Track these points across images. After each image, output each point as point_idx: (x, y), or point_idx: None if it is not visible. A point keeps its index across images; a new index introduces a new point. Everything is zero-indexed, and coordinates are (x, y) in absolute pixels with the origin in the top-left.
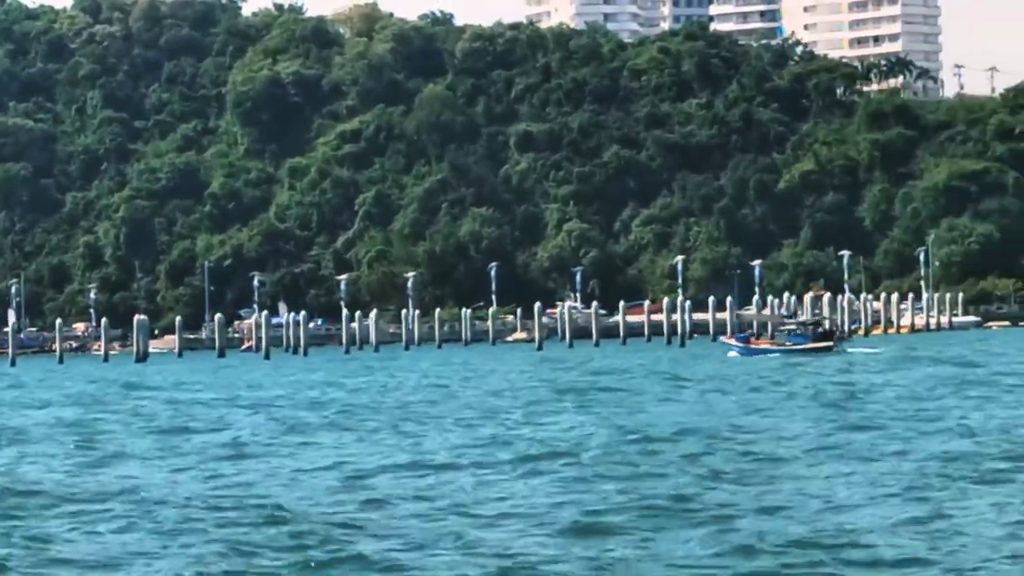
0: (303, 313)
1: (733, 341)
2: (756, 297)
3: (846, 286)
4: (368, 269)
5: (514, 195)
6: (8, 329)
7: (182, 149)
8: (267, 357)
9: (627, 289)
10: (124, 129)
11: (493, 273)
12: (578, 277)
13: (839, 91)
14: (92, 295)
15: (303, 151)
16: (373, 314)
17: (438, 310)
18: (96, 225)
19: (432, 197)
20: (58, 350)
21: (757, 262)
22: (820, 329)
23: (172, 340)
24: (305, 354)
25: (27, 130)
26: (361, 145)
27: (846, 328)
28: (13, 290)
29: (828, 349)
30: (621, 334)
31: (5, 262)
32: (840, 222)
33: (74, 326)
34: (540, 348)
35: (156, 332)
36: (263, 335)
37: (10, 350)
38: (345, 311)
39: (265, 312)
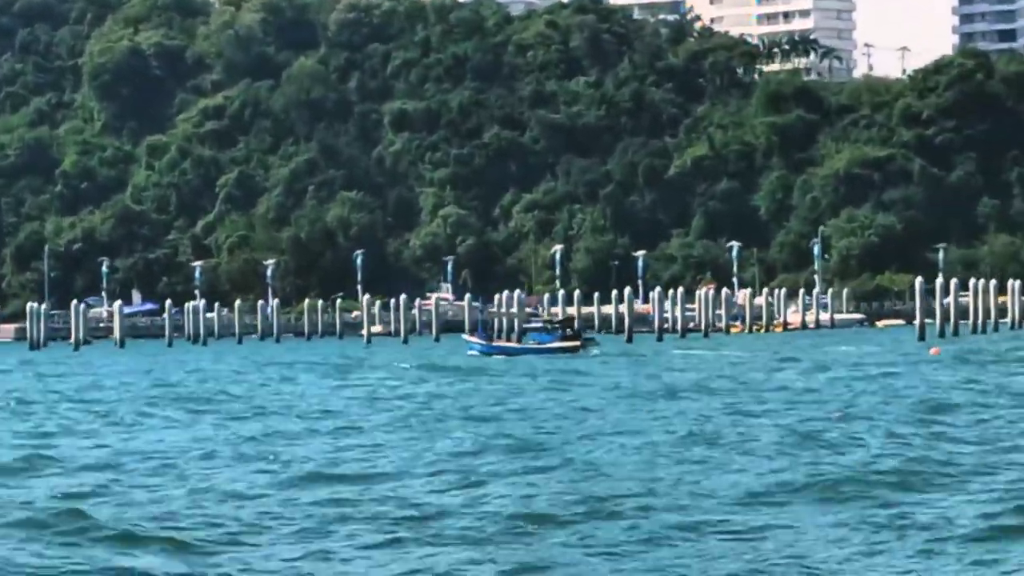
0: (131, 301)
1: (474, 339)
2: (625, 291)
3: (735, 280)
4: (228, 256)
5: (387, 178)
6: None
7: (34, 124)
8: (121, 346)
9: (505, 280)
10: None
11: (359, 261)
12: (449, 266)
13: (738, 71)
14: None
15: (163, 128)
16: (237, 304)
17: (307, 301)
18: None
19: (299, 179)
20: None
21: (640, 253)
22: (568, 329)
23: (9, 330)
24: (122, 345)
25: None
26: (224, 122)
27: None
28: None
29: (574, 350)
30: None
31: None
32: (734, 211)
33: None
34: (405, 342)
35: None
36: (80, 325)
37: None
38: (198, 301)
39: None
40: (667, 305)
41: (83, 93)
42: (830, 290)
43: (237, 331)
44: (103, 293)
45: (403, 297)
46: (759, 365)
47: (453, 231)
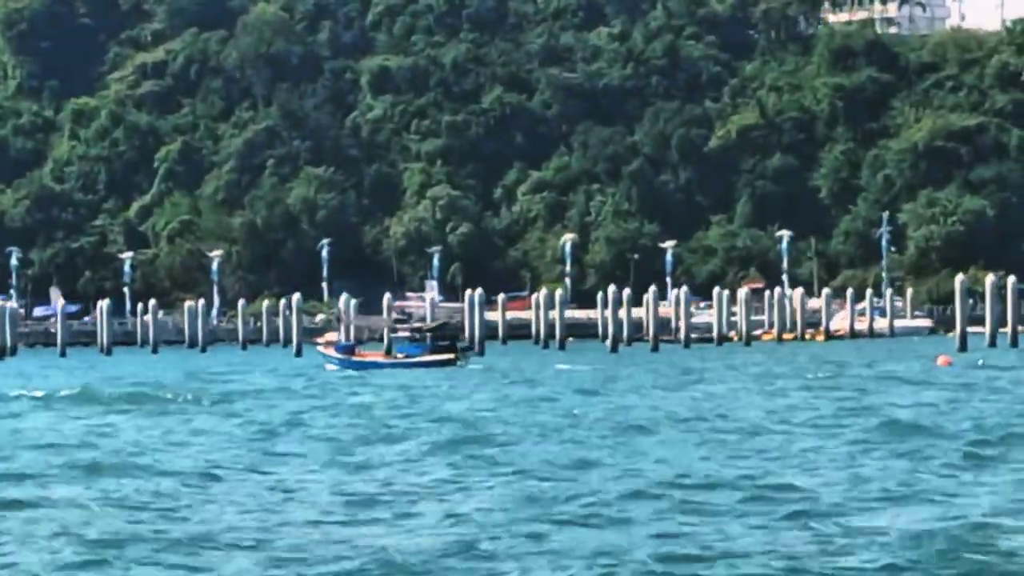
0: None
1: (332, 352)
2: (648, 291)
3: (784, 277)
4: (168, 245)
5: (363, 151)
6: None
7: None
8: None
9: (506, 277)
10: None
11: (325, 253)
12: (435, 259)
13: (797, 21)
14: None
15: (92, 90)
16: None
17: (265, 302)
18: None
19: (255, 152)
20: None
21: (670, 244)
22: (441, 338)
23: None
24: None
25: None
26: (166, 82)
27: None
28: None
29: (450, 363)
30: (500, 334)
31: None
32: (788, 193)
33: None
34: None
35: None
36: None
37: None
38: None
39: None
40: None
41: None
42: (908, 291)
43: (151, 338)
44: (12, 291)
45: (387, 297)
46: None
47: (444, 216)
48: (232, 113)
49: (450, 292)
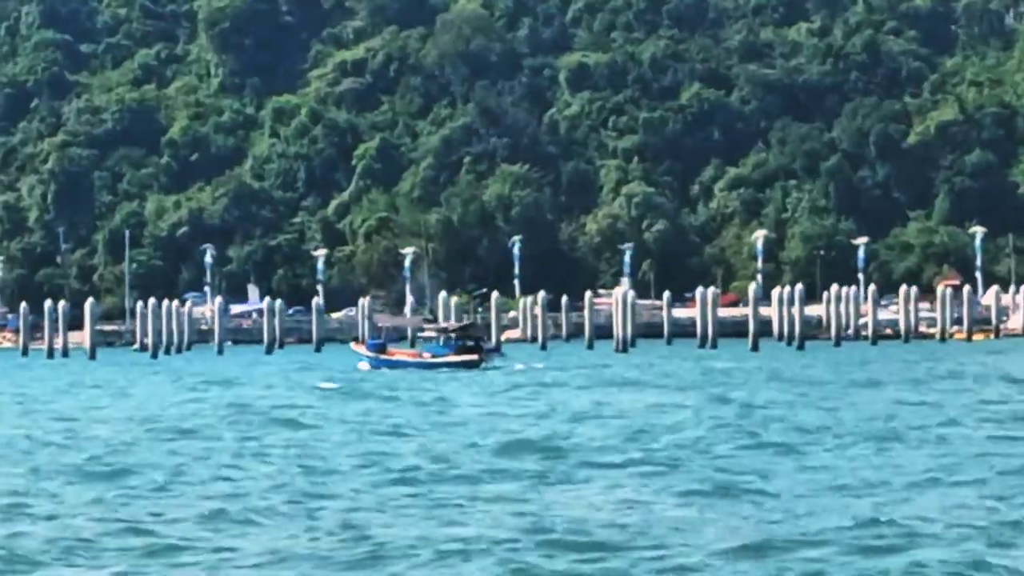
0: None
1: (363, 349)
2: (839, 290)
3: (979, 275)
4: (365, 243)
5: (560, 148)
6: None
7: (138, 82)
8: (220, 353)
9: (699, 274)
10: (65, 55)
11: (516, 250)
12: (627, 257)
13: (1001, 15)
14: None
15: (293, 87)
16: (364, 302)
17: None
18: (19, 180)
19: (452, 149)
20: None
21: (862, 240)
22: (466, 339)
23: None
24: (274, 350)
25: None
26: (365, 80)
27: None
28: None
29: (474, 364)
30: (665, 332)
31: None
32: (986, 190)
33: None
34: (544, 348)
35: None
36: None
37: None
38: (316, 299)
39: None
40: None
41: (198, 44)
42: None
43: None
44: (206, 288)
45: (565, 299)
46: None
47: (639, 213)
48: (430, 110)
49: (642, 289)
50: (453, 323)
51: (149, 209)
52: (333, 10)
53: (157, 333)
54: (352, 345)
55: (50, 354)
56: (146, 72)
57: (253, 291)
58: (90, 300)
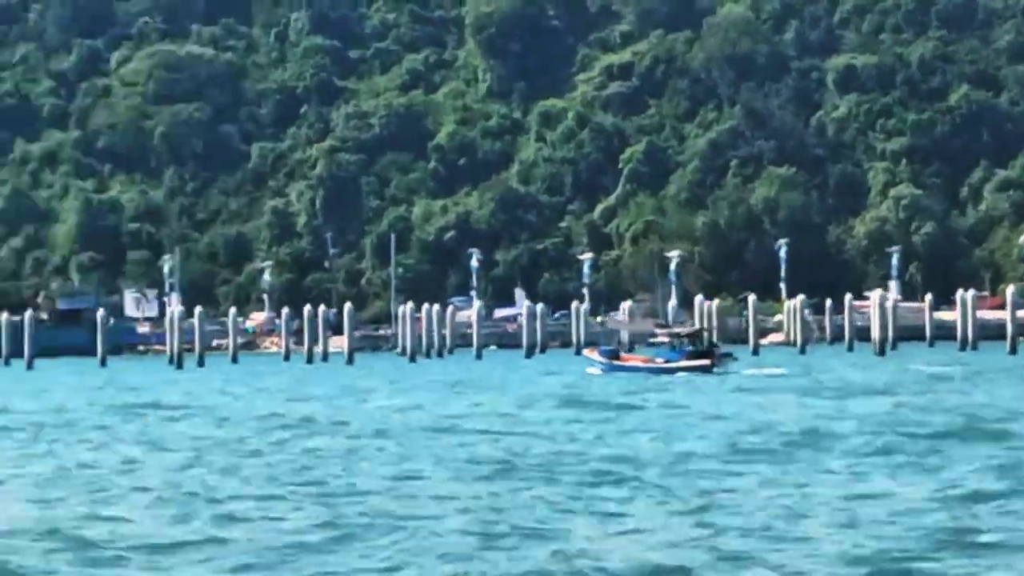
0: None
1: (596, 356)
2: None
3: None
4: (632, 246)
5: (828, 150)
6: (171, 318)
7: (406, 87)
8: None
9: (966, 276)
10: (334, 61)
11: (783, 253)
12: (894, 259)
13: None
14: (266, 276)
15: (559, 91)
16: (626, 306)
17: (708, 301)
18: (288, 185)
19: (719, 152)
20: (231, 346)
21: None
22: (697, 344)
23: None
24: (540, 353)
25: (206, 62)
26: (632, 83)
27: None
28: (166, 268)
29: (707, 368)
30: (927, 335)
31: (171, 232)
32: None
33: (252, 315)
34: (755, 353)
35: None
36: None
37: (196, 346)
38: (577, 303)
39: (477, 302)
40: None
41: (466, 50)
42: None
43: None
44: (472, 292)
45: (847, 297)
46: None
47: (907, 216)
48: (697, 113)
49: (910, 291)
50: (685, 328)
51: (416, 214)
52: (600, 14)
53: (418, 337)
54: (585, 351)
55: (309, 359)
56: (414, 77)
57: (519, 295)
58: (348, 305)
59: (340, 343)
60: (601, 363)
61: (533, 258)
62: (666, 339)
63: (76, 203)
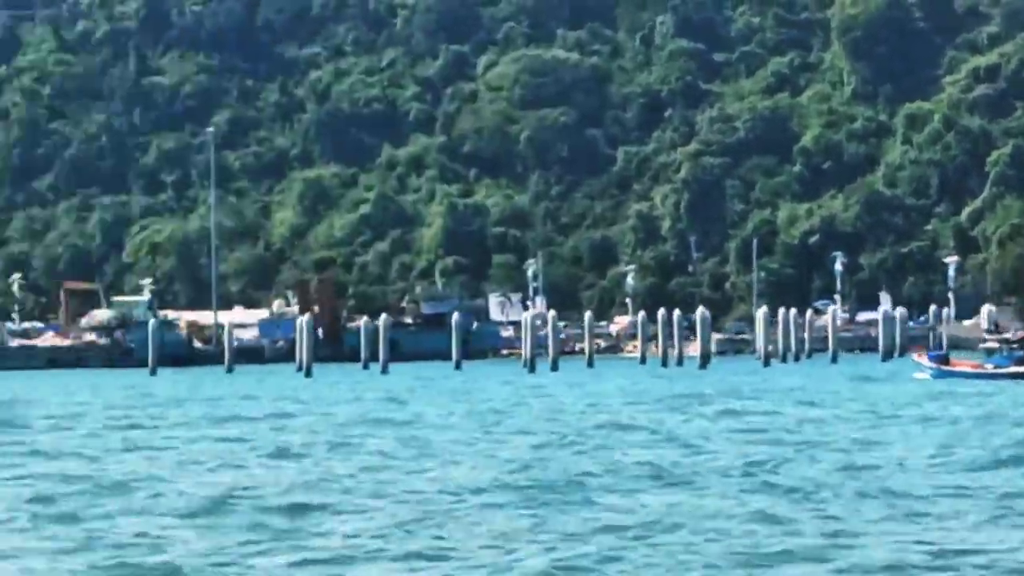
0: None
1: (925, 360)
2: None
3: None
4: (999, 249)
5: None
6: (525, 322)
7: (771, 90)
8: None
9: None
10: (698, 64)
11: None
12: None
13: None
14: (629, 279)
15: (926, 94)
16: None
17: None
18: (652, 189)
19: None
20: (587, 350)
21: None
22: None
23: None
24: (892, 358)
25: (571, 66)
26: (999, 86)
27: None
28: (530, 272)
29: None
30: None
31: (535, 236)
32: None
33: (616, 319)
34: None
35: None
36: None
37: (550, 349)
38: (933, 306)
39: (832, 307)
40: None
41: (831, 52)
42: None
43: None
44: (836, 296)
45: None
46: None
47: None
48: None
49: None
50: (1017, 334)
51: (781, 217)
52: (967, 16)
53: (775, 342)
54: (914, 356)
55: (664, 362)
56: (779, 80)
57: (885, 299)
58: (699, 310)
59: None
60: (930, 368)
61: (898, 261)
62: (995, 344)
63: (441, 208)
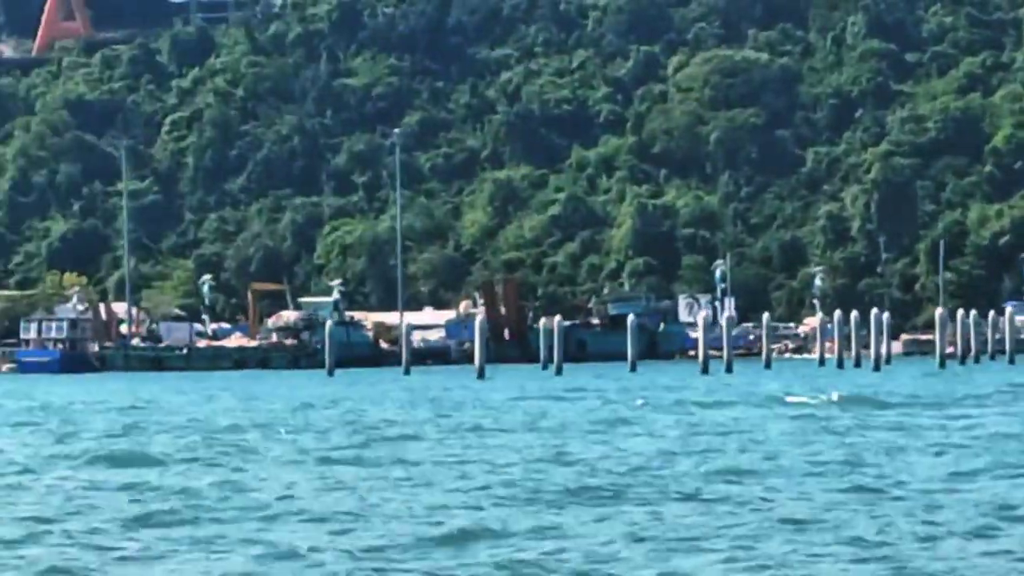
0: None
1: None
2: None
3: None
4: None
5: None
6: (721, 322)
7: (962, 91)
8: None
9: None
10: (890, 64)
11: None
12: None
13: None
14: (818, 280)
15: None
16: None
17: None
18: (843, 190)
19: None
20: (764, 350)
21: None
22: None
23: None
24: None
25: (762, 66)
26: None
27: None
28: (718, 273)
29: None
30: None
31: (725, 237)
32: None
33: (805, 321)
34: None
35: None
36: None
37: (724, 350)
38: None
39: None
40: None
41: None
42: None
43: None
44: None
45: None
46: None
47: None
48: None
49: None
50: None
51: (971, 218)
52: None
53: (966, 342)
54: None
55: (840, 363)
56: (971, 80)
57: None
58: (874, 311)
59: (892, 348)
60: None
61: None
62: None
63: (631, 208)
